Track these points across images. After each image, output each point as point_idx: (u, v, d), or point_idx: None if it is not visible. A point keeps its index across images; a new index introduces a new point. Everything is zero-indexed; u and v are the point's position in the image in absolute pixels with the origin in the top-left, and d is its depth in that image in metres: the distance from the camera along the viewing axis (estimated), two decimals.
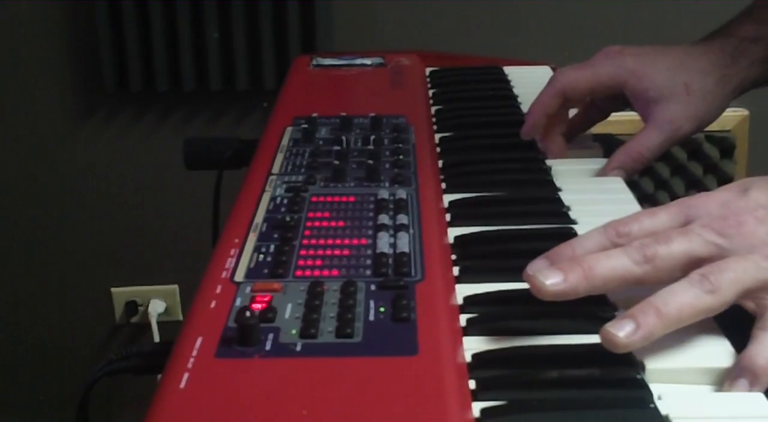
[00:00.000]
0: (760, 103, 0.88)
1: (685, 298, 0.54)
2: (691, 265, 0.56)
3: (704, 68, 0.83)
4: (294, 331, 0.53)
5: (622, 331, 0.53)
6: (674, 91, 0.81)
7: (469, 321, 0.58)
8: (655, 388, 0.51)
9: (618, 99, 0.87)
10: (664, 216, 0.60)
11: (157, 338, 2.02)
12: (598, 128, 0.94)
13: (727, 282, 0.54)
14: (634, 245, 0.57)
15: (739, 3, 0.91)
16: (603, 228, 0.60)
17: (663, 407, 0.49)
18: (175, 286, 2.03)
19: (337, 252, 0.63)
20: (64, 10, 1.85)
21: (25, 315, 2.06)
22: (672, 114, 0.81)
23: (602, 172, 0.81)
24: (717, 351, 0.54)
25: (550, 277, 0.56)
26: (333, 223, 0.67)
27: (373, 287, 0.58)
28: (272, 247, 0.63)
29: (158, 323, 2.03)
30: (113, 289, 2.04)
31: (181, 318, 2.04)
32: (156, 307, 2.02)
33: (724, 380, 0.52)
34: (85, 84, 1.90)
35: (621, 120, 0.98)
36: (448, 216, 0.73)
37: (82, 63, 1.89)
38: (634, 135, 0.83)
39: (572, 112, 0.91)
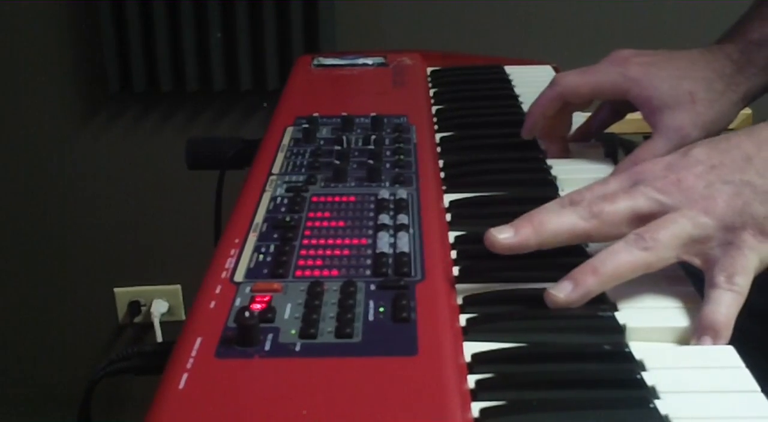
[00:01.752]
0: (763, 101, 0.88)
1: (622, 257, 0.58)
2: (636, 222, 0.60)
3: (709, 77, 0.82)
4: (293, 331, 0.53)
5: (562, 292, 0.58)
6: (679, 100, 0.80)
7: (469, 321, 0.58)
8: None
9: (628, 103, 0.86)
10: (613, 182, 0.64)
11: (160, 338, 2.02)
12: None
13: (663, 239, 0.58)
14: (583, 203, 0.61)
15: (739, 3, 0.90)
16: (560, 198, 0.64)
17: (663, 407, 0.49)
18: (178, 286, 2.03)
19: (337, 252, 0.63)
20: (67, 10, 1.85)
21: (28, 315, 2.06)
22: (678, 122, 0.80)
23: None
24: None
25: (503, 232, 0.61)
26: (333, 223, 0.67)
27: (372, 287, 0.58)
28: (272, 247, 0.63)
29: (161, 323, 2.03)
30: (116, 289, 2.04)
31: (184, 318, 2.04)
32: (159, 307, 2.02)
33: (691, 338, 0.56)
34: (89, 84, 1.90)
35: (625, 119, 0.98)
36: (448, 216, 0.73)
37: (86, 63, 1.89)
38: (641, 143, 0.83)
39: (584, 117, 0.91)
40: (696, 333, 0.56)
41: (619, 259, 0.58)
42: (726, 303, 0.57)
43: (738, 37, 0.85)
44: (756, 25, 0.85)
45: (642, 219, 0.60)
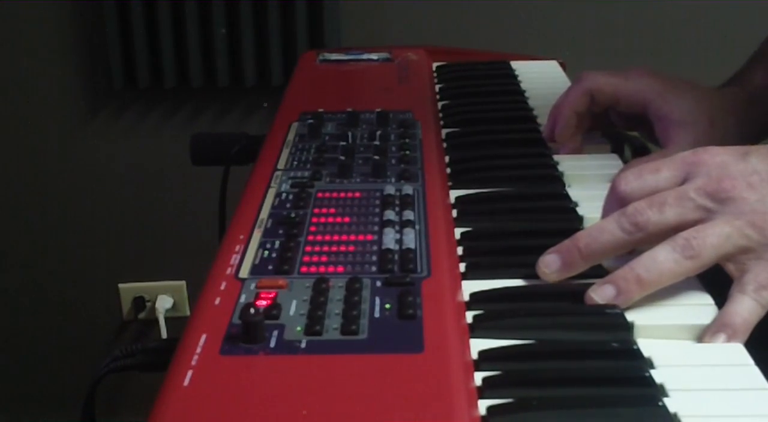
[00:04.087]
0: None
1: (666, 265, 0.57)
2: (682, 228, 0.59)
3: (726, 108, 0.83)
4: (299, 328, 0.53)
5: (604, 299, 0.58)
6: (698, 120, 0.82)
7: (475, 318, 0.57)
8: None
9: (631, 118, 0.87)
10: (666, 172, 0.62)
11: (164, 334, 2.02)
12: None
13: (709, 248, 0.58)
14: (628, 211, 0.60)
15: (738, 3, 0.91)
16: (609, 194, 0.64)
17: (671, 405, 0.49)
18: (183, 282, 2.03)
19: (342, 248, 0.62)
20: (72, 7, 1.85)
21: (32, 311, 2.06)
22: (695, 138, 0.81)
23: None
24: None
25: (551, 265, 0.61)
26: (339, 219, 0.67)
27: (378, 283, 0.58)
28: (277, 243, 0.63)
29: (166, 319, 2.03)
30: (121, 285, 2.04)
31: (188, 314, 2.04)
32: (163, 303, 2.02)
33: (704, 334, 0.56)
34: (94, 80, 1.90)
35: None
36: (454, 213, 0.73)
37: (91, 59, 1.89)
38: (655, 152, 0.83)
39: None
40: (711, 329, 0.56)
41: (664, 268, 0.58)
42: (748, 309, 0.57)
43: (746, 82, 0.88)
44: (761, 72, 0.88)
45: (688, 225, 0.59)
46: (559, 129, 0.85)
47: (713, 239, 0.58)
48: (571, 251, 0.61)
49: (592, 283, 0.60)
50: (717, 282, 0.60)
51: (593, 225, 0.62)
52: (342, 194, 0.71)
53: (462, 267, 0.64)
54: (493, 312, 0.58)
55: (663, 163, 0.63)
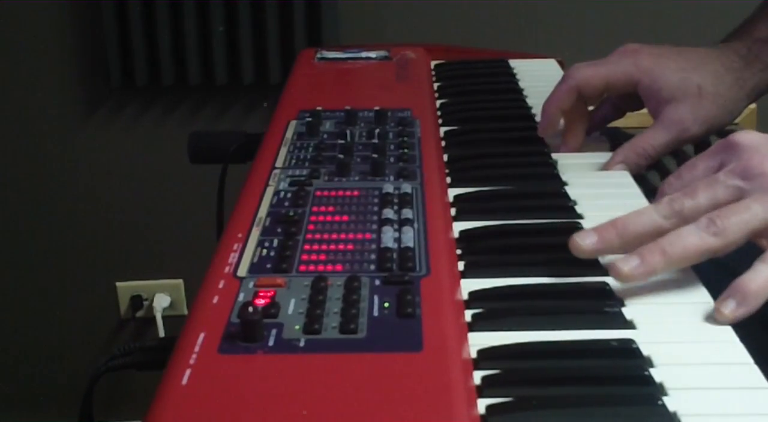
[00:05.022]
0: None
1: (691, 240, 0.58)
2: (714, 209, 0.60)
3: (718, 71, 0.83)
4: (297, 327, 0.53)
5: (628, 265, 0.58)
6: (686, 93, 0.82)
7: (474, 316, 0.57)
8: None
9: (634, 98, 0.86)
10: (701, 164, 0.65)
11: (162, 333, 2.02)
12: None
13: (734, 225, 0.58)
14: (664, 201, 0.62)
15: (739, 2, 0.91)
16: (656, 199, 0.66)
17: (671, 404, 0.49)
18: (180, 281, 2.03)
19: (341, 246, 0.62)
20: (70, 5, 1.84)
21: (29, 310, 2.06)
22: (681, 114, 0.81)
23: (605, 167, 0.81)
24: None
25: (587, 238, 0.61)
26: (337, 218, 0.67)
27: (377, 282, 0.57)
28: (276, 242, 0.63)
29: (163, 317, 2.02)
30: (118, 284, 2.03)
31: (186, 312, 2.04)
32: (161, 302, 2.02)
33: (716, 302, 0.57)
34: (91, 78, 1.90)
35: (630, 114, 0.97)
36: (453, 211, 0.73)
37: (88, 57, 1.88)
38: (642, 132, 0.83)
39: None
40: (722, 295, 0.57)
41: (687, 243, 0.59)
42: (766, 277, 0.57)
43: (745, 35, 0.87)
44: (762, 24, 0.87)
45: (720, 206, 0.60)
46: (540, 126, 0.86)
47: (739, 216, 0.58)
48: (606, 227, 0.61)
49: (593, 281, 0.60)
50: (719, 281, 0.60)
51: (633, 213, 0.63)
52: (340, 192, 0.71)
53: (461, 265, 0.64)
54: (492, 311, 0.58)
55: (698, 157, 0.66)
